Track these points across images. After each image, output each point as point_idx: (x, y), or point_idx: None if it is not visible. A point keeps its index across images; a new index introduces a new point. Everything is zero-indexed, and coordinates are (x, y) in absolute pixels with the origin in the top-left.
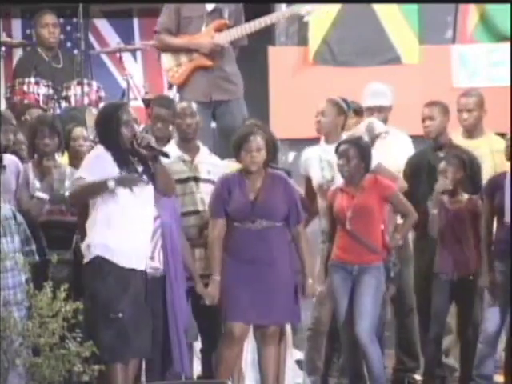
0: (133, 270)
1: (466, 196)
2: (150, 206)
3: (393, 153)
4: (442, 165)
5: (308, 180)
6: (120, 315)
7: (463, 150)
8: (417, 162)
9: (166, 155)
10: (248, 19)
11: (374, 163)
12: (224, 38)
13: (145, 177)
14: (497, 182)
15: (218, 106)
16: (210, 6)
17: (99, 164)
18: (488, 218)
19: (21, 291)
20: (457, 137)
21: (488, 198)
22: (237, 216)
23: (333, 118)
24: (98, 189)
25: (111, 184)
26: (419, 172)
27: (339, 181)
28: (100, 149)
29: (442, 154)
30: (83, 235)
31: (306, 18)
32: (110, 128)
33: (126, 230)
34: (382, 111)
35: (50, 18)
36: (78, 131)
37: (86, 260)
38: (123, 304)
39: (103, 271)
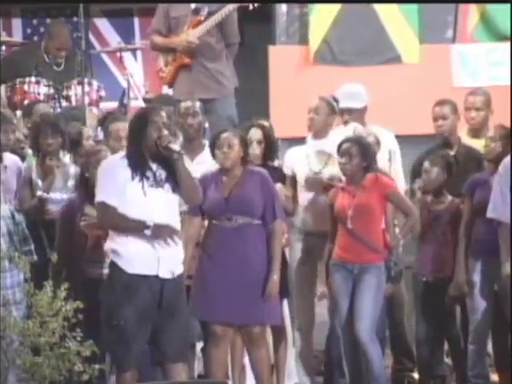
0: (142, 275)
1: (449, 198)
2: (167, 212)
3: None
4: (426, 164)
5: (292, 179)
6: (122, 323)
7: (472, 151)
8: (440, 161)
9: (179, 153)
10: (249, 19)
11: None
12: (195, 34)
13: (162, 181)
14: (477, 180)
15: (206, 104)
16: (193, 5)
17: (109, 178)
18: (468, 218)
19: (19, 291)
20: (462, 136)
21: (468, 197)
22: (211, 213)
23: (326, 117)
24: (134, 230)
25: (147, 232)
26: None
27: (327, 173)
28: (110, 158)
29: (452, 153)
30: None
31: (251, 7)
32: (137, 129)
33: (135, 235)
34: (351, 113)
35: (62, 31)
36: (87, 132)
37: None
38: (126, 311)
39: (112, 277)
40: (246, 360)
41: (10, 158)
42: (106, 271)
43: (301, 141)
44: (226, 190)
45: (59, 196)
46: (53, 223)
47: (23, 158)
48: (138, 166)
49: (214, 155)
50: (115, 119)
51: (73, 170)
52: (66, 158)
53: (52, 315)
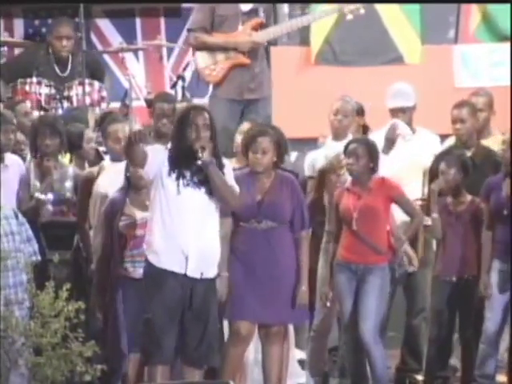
0: (170, 271)
1: (469, 198)
2: (200, 212)
3: (419, 153)
4: (442, 165)
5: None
6: (150, 316)
7: (490, 151)
8: (456, 162)
9: (202, 162)
10: None
11: (395, 163)
12: (262, 37)
13: (197, 181)
14: (492, 183)
15: (247, 104)
16: (245, 6)
17: (157, 154)
18: (488, 220)
19: (22, 291)
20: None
21: (485, 201)
22: (243, 215)
23: (352, 118)
24: None
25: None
26: None
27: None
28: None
29: (469, 154)
30: (82, 236)
31: (350, 17)
32: (179, 127)
33: (165, 231)
34: (405, 112)
35: (64, 30)
36: (88, 133)
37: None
38: (154, 305)
39: (145, 270)
40: (246, 360)
41: (11, 159)
42: None
43: (303, 141)
44: (258, 194)
45: (57, 197)
46: (51, 224)
47: (23, 159)
48: (176, 162)
49: (245, 154)
50: (114, 120)
51: (71, 171)
52: (66, 159)
53: (54, 316)
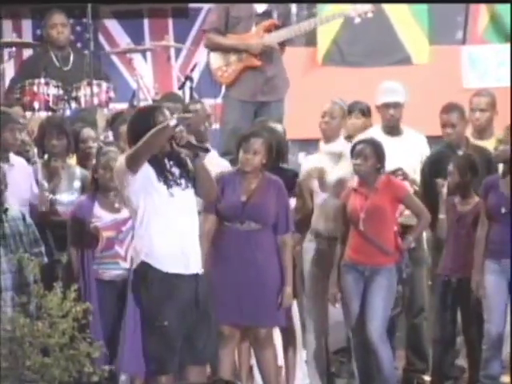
0: (179, 275)
1: (476, 199)
2: (191, 210)
3: (406, 153)
4: (450, 166)
5: (305, 186)
6: (166, 323)
7: (482, 150)
8: (435, 161)
9: (207, 150)
10: None
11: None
12: (273, 39)
13: (183, 180)
14: (490, 183)
15: (260, 106)
16: (259, 7)
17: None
18: (484, 220)
19: (27, 292)
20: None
21: (483, 200)
22: (226, 215)
23: (340, 120)
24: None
25: (173, 122)
26: (438, 172)
27: (339, 175)
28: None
29: (460, 153)
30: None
31: (357, 20)
32: (143, 132)
33: (165, 234)
34: (397, 107)
35: (58, 18)
36: (86, 132)
37: (134, 266)
38: (168, 312)
39: (147, 277)
40: (254, 361)
41: (17, 160)
42: (117, 272)
43: (310, 142)
44: (243, 195)
45: (65, 197)
46: (59, 224)
47: (28, 159)
48: (159, 166)
49: (237, 152)
50: (125, 121)
51: (78, 171)
52: (73, 159)
53: (62, 316)
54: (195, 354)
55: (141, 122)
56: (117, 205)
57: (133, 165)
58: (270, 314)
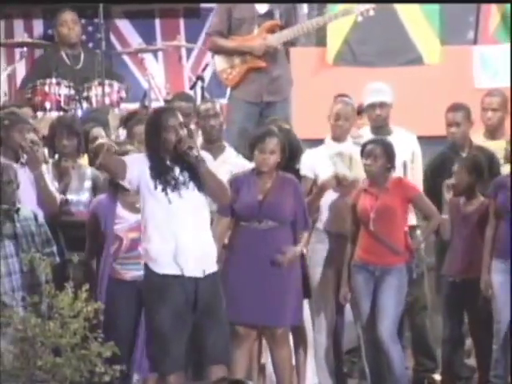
0: (172, 275)
1: (480, 199)
2: (196, 213)
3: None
4: (455, 167)
5: (311, 181)
6: (159, 324)
7: (484, 151)
8: (439, 163)
9: (198, 161)
10: None
11: None
12: (276, 40)
13: (192, 183)
14: (499, 182)
15: (266, 106)
16: (261, 8)
17: (136, 163)
18: (492, 219)
19: (39, 292)
20: (478, 137)
21: (493, 200)
22: (243, 215)
23: (353, 119)
24: None
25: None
26: (441, 173)
27: (353, 176)
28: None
29: (464, 155)
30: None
31: (360, 19)
32: (153, 133)
33: (162, 237)
34: (383, 107)
35: (68, 16)
36: (96, 132)
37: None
38: (161, 313)
39: (146, 278)
40: (264, 360)
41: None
42: (139, 273)
43: (322, 142)
44: (259, 194)
45: (75, 197)
46: (70, 224)
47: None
48: (158, 172)
49: (251, 152)
50: (140, 121)
51: (89, 171)
52: (84, 159)
53: (73, 316)
54: (207, 354)
55: (152, 123)
56: (137, 205)
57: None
58: (288, 313)
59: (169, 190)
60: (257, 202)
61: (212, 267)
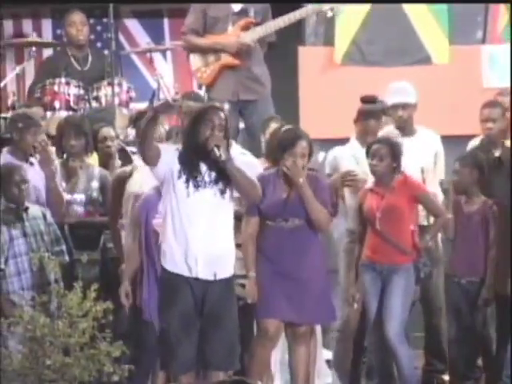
0: (181, 275)
1: (482, 198)
2: (213, 213)
3: (418, 153)
4: (456, 165)
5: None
6: (165, 322)
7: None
8: (471, 162)
9: (220, 161)
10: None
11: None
12: (250, 37)
13: (220, 183)
14: None
15: (245, 105)
16: (236, 6)
17: (167, 153)
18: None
19: (48, 291)
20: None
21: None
22: (269, 214)
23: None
24: None
25: None
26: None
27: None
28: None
29: (497, 154)
30: (113, 235)
31: (330, 14)
32: (192, 125)
33: (176, 234)
34: (406, 108)
35: (77, 17)
36: (105, 132)
37: None
38: (168, 311)
39: (160, 276)
40: (272, 361)
41: (36, 160)
42: None
43: (330, 141)
44: (283, 192)
45: (83, 197)
46: (78, 224)
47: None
48: (186, 163)
49: (279, 158)
50: None
51: (97, 171)
52: (93, 158)
53: (82, 316)
54: (207, 360)
55: (196, 116)
56: None
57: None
58: (318, 312)
59: (191, 184)
60: (282, 201)
61: (226, 272)
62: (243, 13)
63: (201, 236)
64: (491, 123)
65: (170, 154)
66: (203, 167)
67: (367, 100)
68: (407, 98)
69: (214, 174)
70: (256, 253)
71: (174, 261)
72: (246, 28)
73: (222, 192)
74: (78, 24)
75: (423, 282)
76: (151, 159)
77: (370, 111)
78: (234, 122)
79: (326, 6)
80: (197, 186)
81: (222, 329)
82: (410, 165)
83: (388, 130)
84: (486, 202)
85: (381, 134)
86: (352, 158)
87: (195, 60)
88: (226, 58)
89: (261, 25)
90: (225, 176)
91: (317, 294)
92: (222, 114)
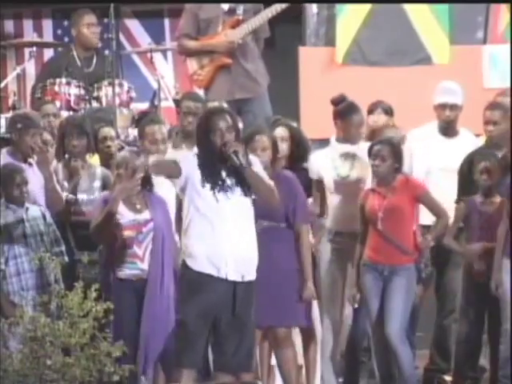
0: (208, 275)
1: (498, 198)
2: (242, 217)
3: (460, 155)
4: (484, 164)
5: (319, 182)
6: (187, 319)
7: None
8: (472, 160)
9: (241, 165)
10: (279, 20)
11: (440, 163)
12: (237, 35)
13: (239, 188)
14: None
15: (241, 104)
16: (225, 6)
17: (185, 163)
18: (506, 218)
19: (48, 292)
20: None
21: (509, 199)
22: None
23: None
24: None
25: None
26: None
27: (355, 177)
28: (184, 155)
29: (500, 154)
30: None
31: (314, 10)
32: (202, 134)
33: (204, 236)
34: (453, 109)
35: (91, 18)
36: (105, 132)
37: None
38: (188, 309)
39: (182, 275)
40: (274, 361)
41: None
42: (134, 272)
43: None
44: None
45: (85, 197)
46: (80, 224)
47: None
48: (207, 171)
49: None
50: (151, 121)
51: (99, 170)
52: (95, 158)
53: (82, 316)
54: (223, 362)
55: (202, 124)
56: (138, 206)
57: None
58: (289, 314)
59: (216, 190)
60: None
61: (251, 274)
62: (232, 12)
63: (232, 238)
64: (492, 125)
65: (188, 162)
66: (223, 173)
67: (337, 101)
68: (456, 98)
69: (234, 179)
70: None
71: (202, 261)
72: (234, 26)
73: (246, 194)
74: (93, 26)
75: (427, 283)
76: (172, 174)
77: (342, 111)
78: None
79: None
80: (223, 191)
81: (245, 330)
82: (451, 165)
83: (391, 131)
84: (503, 201)
85: (384, 135)
86: (330, 159)
87: (191, 64)
88: (219, 58)
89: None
90: (244, 180)
91: (291, 295)
92: (227, 117)
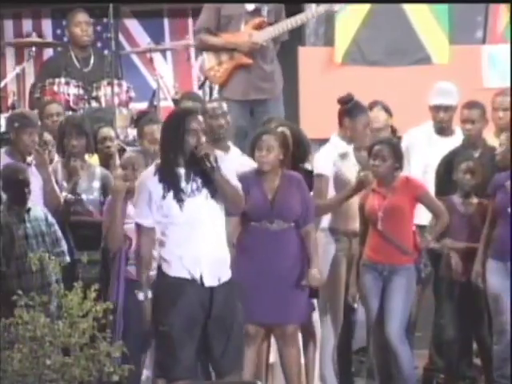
0: (185, 279)
1: (476, 200)
2: (211, 219)
3: None
4: (467, 164)
5: (320, 179)
6: (167, 328)
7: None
8: (450, 160)
9: (212, 169)
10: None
11: (436, 163)
12: (262, 37)
13: (205, 190)
14: (498, 180)
15: (255, 104)
16: (249, 6)
17: (142, 195)
18: (491, 218)
19: (48, 292)
20: (489, 136)
21: (492, 198)
22: (255, 215)
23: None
24: None
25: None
26: (451, 170)
27: (350, 173)
28: (144, 174)
29: (476, 154)
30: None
31: (336, 8)
32: (173, 134)
33: (175, 242)
34: (448, 111)
35: (82, 17)
36: (104, 132)
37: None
38: (170, 316)
39: (158, 281)
40: (273, 360)
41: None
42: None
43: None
44: (269, 194)
45: (85, 197)
46: (79, 224)
47: (51, 160)
48: (170, 181)
49: (253, 155)
50: (151, 120)
51: (99, 171)
52: (94, 158)
53: (82, 316)
54: (215, 364)
55: (173, 124)
56: None
57: None
58: (297, 311)
59: (182, 197)
60: (268, 202)
61: (226, 274)
62: (256, 12)
63: (203, 243)
64: (470, 124)
65: (146, 183)
66: (188, 176)
67: (345, 100)
68: (450, 100)
69: (199, 180)
70: (239, 254)
71: (177, 266)
72: (258, 27)
73: (212, 195)
74: (84, 24)
75: (426, 283)
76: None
77: (350, 110)
78: (242, 122)
79: (336, 7)
80: (187, 196)
81: (230, 331)
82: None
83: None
84: (481, 202)
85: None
86: (337, 158)
87: (208, 59)
88: (240, 57)
89: (273, 24)
90: (211, 182)
91: (300, 295)
92: (200, 118)
